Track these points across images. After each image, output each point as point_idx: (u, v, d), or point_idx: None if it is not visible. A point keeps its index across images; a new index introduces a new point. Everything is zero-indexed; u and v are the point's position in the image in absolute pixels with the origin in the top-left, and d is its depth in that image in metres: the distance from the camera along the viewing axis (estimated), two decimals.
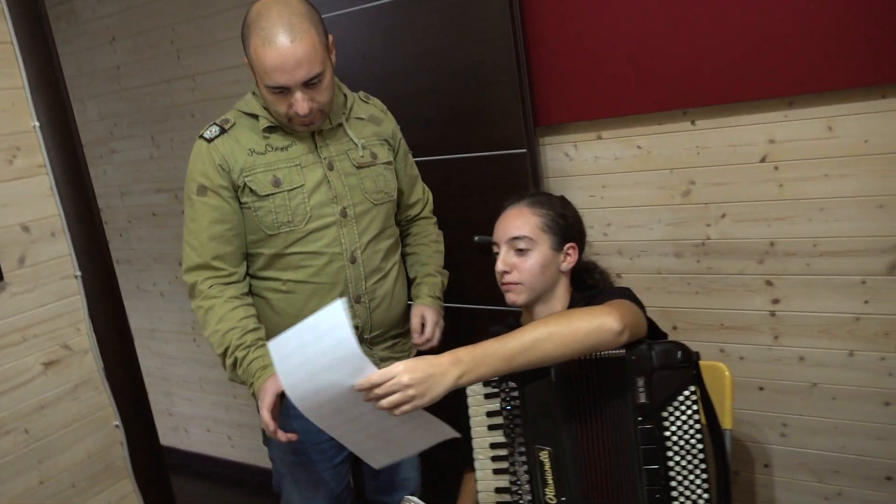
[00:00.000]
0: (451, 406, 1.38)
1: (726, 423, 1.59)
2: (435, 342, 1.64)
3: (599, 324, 1.16)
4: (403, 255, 1.74)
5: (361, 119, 1.62)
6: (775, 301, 1.77)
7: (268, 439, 1.67)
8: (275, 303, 1.56)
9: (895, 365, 1.66)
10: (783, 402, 1.82)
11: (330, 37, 1.46)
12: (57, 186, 1.97)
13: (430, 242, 1.77)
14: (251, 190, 1.48)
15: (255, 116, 1.52)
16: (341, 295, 1.54)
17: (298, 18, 1.37)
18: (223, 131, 1.50)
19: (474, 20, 1.87)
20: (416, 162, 1.80)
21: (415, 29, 1.97)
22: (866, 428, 1.73)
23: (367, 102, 1.67)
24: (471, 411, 1.36)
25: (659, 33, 1.71)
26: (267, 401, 1.36)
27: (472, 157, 1.98)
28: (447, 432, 1.25)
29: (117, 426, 2.08)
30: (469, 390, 1.35)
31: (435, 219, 1.82)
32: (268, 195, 1.48)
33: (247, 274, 1.55)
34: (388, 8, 1.99)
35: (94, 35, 2.91)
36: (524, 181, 1.89)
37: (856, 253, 1.65)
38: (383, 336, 1.64)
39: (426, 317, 1.64)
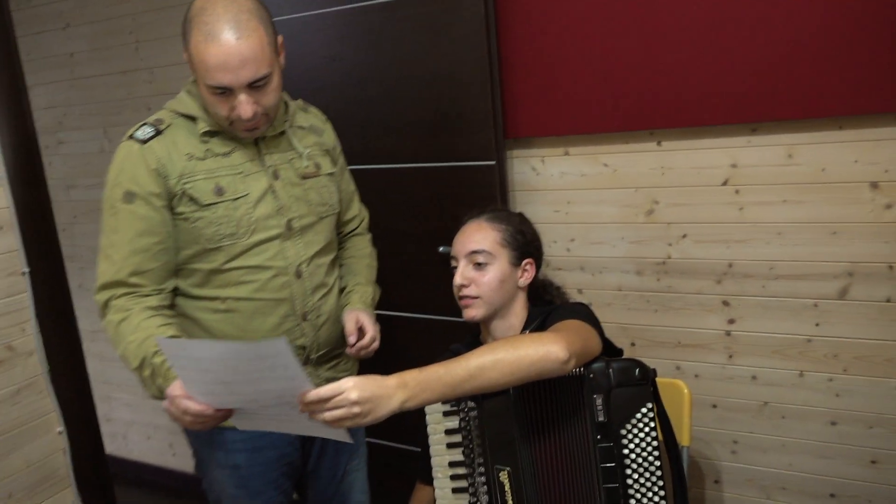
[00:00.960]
0: (411, 420, 1.35)
1: (684, 439, 1.62)
2: (377, 345, 1.51)
3: (546, 352, 1.16)
4: None
5: (303, 128, 1.53)
6: (731, 321, 1.81)
7: (203, 470, 1.56)
8: (210, 324, 1.43)
9: (842, 386, 1.72)
10: (735, 419, 1.86)
11: (279, 37, 1.37)
12: (8, 177, 1.87)
13: (362, 256, 1.68)
14: (191, 198, 1.35)
15: (193, 118, 1.40)
16: (287, 312, 1.44)
17: (246, 15, 1.27)
18: (158, 132, 1.37)
19: (448, 29, 1.86)
20: (382, 169, 1.78)
21: (387, 35, 1.95)
22: (813, 446, 1.78)
23: (306, 112, 1.59)
24: (429, 429, 1.35)
25: (629, 55, 1.73)
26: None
27: (440, 168, 1.96)
28: (342, 436, 1.19)
29: (60, 432, 1.99)
30: (428, 407, 1.33)
31: (370, 235, 1.75)
32: (209, 204, 1.36)
33: (174, 291, 1.41)
34: (361, 11, 1.97)
35: (47, 19, 2.79)
36: (492, 193, 1.89)
37: (809, 277, 1.70)
38: (328, 355, 1.55)
39: (362, 319, 1.50)
